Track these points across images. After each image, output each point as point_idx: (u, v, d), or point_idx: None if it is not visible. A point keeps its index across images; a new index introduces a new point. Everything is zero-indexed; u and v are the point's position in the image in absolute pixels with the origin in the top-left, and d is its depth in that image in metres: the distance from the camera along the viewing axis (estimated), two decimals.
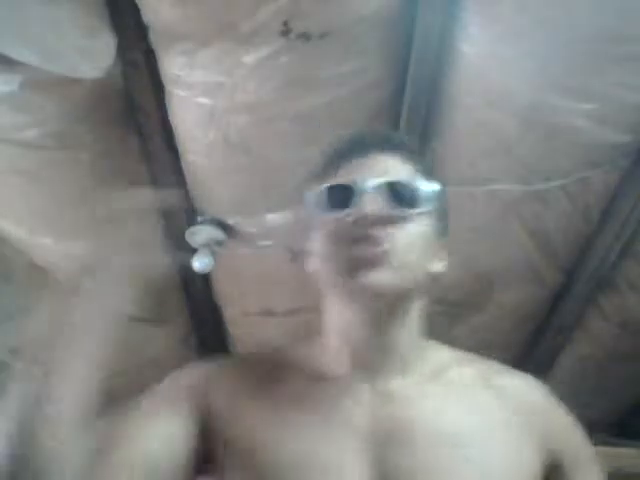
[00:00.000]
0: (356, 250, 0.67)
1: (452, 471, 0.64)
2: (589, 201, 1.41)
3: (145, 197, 0.76)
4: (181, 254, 1.58)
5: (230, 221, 1.50)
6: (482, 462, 0.65)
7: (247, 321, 1.83)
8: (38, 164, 1.22)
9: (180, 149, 1.33)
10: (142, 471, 0.64)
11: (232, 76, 1.13)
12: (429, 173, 0.78)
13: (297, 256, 1.56)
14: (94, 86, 1.14)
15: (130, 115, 1.28)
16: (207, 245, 1.52)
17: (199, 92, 1.16)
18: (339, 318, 0.73)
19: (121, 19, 1.07)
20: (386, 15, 1.09)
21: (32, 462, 0.55)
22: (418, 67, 1.17)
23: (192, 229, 1.50)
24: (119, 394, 1.93)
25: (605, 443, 1.87)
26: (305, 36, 1.06)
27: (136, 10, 1.05)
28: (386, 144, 0.78)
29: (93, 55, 1.07)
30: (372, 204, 0.68)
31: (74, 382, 0.60)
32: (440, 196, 0.75)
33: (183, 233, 1.51)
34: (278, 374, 0.74)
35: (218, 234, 1.50)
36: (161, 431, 0.68)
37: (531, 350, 1.90)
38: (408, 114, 1.26)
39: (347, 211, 0.69)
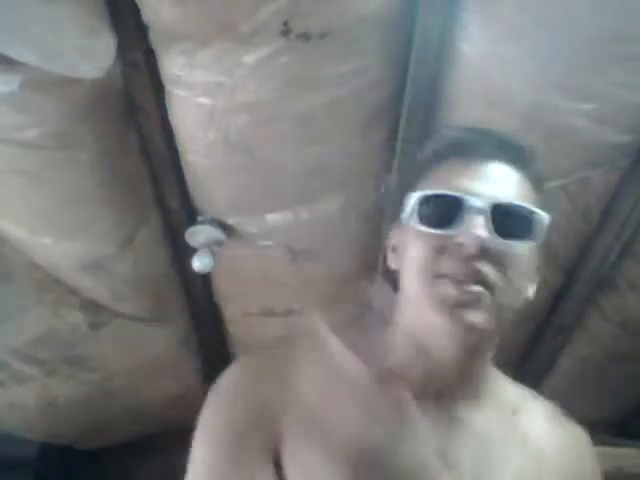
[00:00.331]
0: (452, 287, 0.62)
1: None
2: (589, 201, 1.41)
3: None
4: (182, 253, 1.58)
5: (230, 221, 1.50)
6: None
7: (247, 321, 1.83)
8: (38, 164, 1.22)
9: (180, 149, 1.33)
10: None
11: (232, 76, 1.12)
12: (542, 189, 0.72)
13: (297, 256, 1.56)
14: (94, 86, 1.14)
15: (130, 115, 1.28)
16: (207, 245, 1.52)
17: (199, 92, 1.16)
18: (421, 333, 0.68)
19: (121, 19, 1.07)
20: (386, 15, 1.09)
21: None
22: (418, 67, 1.17)
23: (192, 229, 1.50)
24: (119, 394, 1.94)
25: (605, 443, 1.87)
26: (305, 36, 1.06)
27: (136, 10, 1.05)
28: (502, 150, 0.69)
29: (93, 55, 1.07)
30: (477, 229, 0.61)
31: None
32: (549, 226, 0.68)
33: (183, 233, 1.52)
34: (328, 355, 0.69)
35: (218, 234, 1.50)
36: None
37: (531, 350, 1.90)
38: (408, 114, 1.26)
39: (447, 231, 0.63)
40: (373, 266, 1.54)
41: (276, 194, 1.41)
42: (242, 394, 0.69)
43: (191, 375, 1.98)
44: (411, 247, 0.67)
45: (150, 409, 1.99)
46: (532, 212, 0.66)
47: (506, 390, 0.74)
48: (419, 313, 0.67)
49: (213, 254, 1.53)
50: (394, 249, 0.73)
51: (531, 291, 0.71)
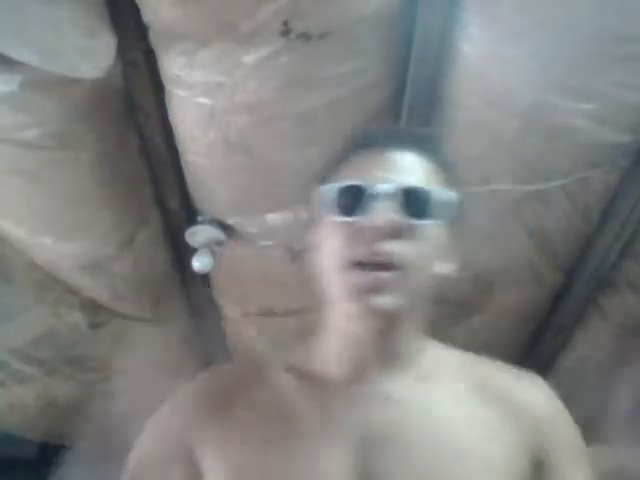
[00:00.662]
0: (363, 275, 0.65)
1: (440, 476, 0.64)
2: (589, 201, 1.41)
3: None
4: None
5: (230, 221, 1.50)
6: (471, 468, 0.65)
7: (247, 321, 1.83)
8: (38, 164, 1.22)
9: (180, 149, 1.33)
10: None
11: (232, 76, 1.12)
12: (451, 173, 0.74)
13: (297, 256, 1.56)
14: (94, 86, 1.14)
15: (130, 115, 1.28)
16: (207, 245, 1.52)
17: (199, 92, 1.16)
18: (341, 326, 0.72)
19: (121, 19, 1.07)
20: (386, 15, 1.09)
21: None
22: (418, 67, 1.17)
23: (192, 229, 1.51)
24: (119, 394, 1.93)
25: (605, 443, 1.87)
26: (305, 36, 1.06)
27: (136, 10, 1.05)
28: (405, 139, 0.73)
29: (93, 55, 1.07)
30: (385, 212, 0.65)
31: None
32: (458, 204, 0.71)
33: (183, 233, 1.52)
34: (268, 379, 0.73)
35: (218, 234, 1.50)
36: None
37: (531, 350, 1.90)
38: (408, 114, 1.26)
39: (357, 218, 0.66)
40: None
41: (276, 194, 1.41)
42: (164, 427, 0.73)
43: (191, 375, 1.98)
44: (327, 239, 0.70)
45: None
46: (437, 192, 0.69)
47: (438, 359, 0.75)
48: (337, 303, 0.70)
49: (213, 254, 1.53)
50: (315, 248, 0.75)
51: (446, 269, 0.74)
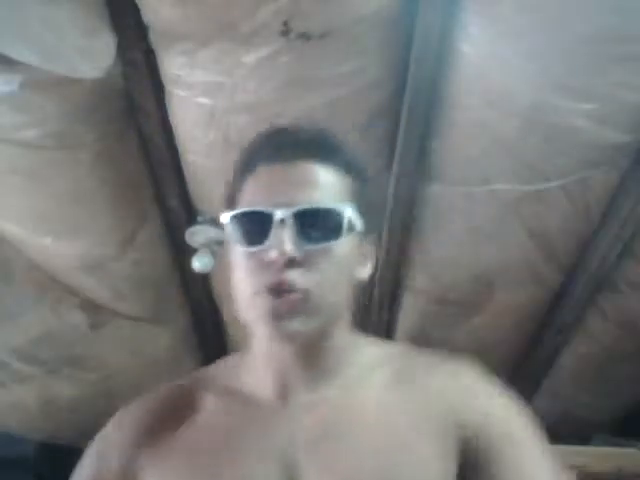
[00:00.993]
0: (269, 301, 0.64)
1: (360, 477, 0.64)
2: (589, 201, 1.41)
3: None
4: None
5: None
6: (395, 472, 0.65)
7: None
8: (38, 164, 1.22)
9: (180, 149, 1.33)
10: None
11: (232, 76, 1.12)
12: (357, 172, 0.72)
13: None
14: (94, 86, 1.14)
15: (130, 115, 1.28)
16: (207, 245, 1.52)
17: (199, 92, 1.16)
18: (262, 347, 0.72)
19: (121, 19, 1.07)
20: (386, 15, 1.09)
21: None
22: (418, 67, 1.17)
23: (192, 229, 1.51)
24: (119, 394, 1.94)
25: (605, 443, 1.87)
26: (305, 36, 1.06)
27: (136, 10, 1.05)
28: (305, 148, 0.70)
29: (93, 55, 1.07)
30: (280, 243, 0.63)
31: None
32: (361, 205, 0.69)
33: (183, 233, 1.51)
34: (197, 401, 0.73)
35: (218, 234, 1.50)
36: None
37: (531, 350, 1.90)
38: (408, 114, 1.26)
39: (257, 248, 0.65)
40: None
41: None
42: (98, 454, 0.73)
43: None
44: (235, 267, 0.70)
45: None
46: (338, 209, 0.67)
47: (364, 359, 0.74)
48: (252, 326, 0.71)
49: (213, 254, 1.53)
50: (230, 267, 0.75)
51: (361, 274, 0.73)
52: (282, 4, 1.00)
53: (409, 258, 1.61)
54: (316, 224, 0.65)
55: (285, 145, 0.70)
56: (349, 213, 0.67)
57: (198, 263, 1.52)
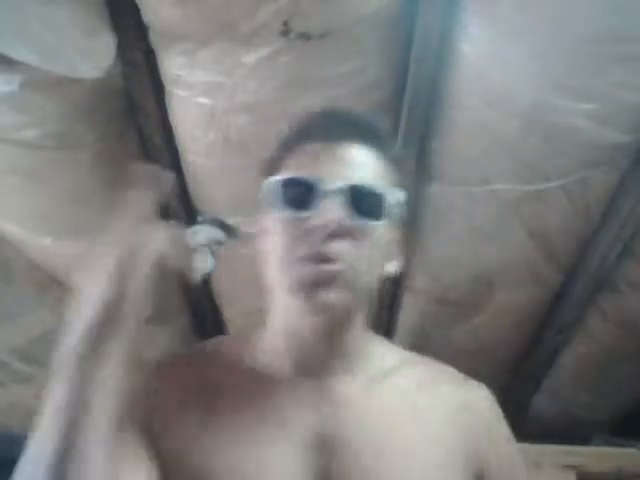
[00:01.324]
0: (308, 268, 0.64)
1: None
2: (589, 201, 1.41)
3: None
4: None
5: (230, 221, 1.50)
6: (413, 474, 0.65)
7: (247, 321, 1.83)
8: (38, 164, 1.22)
9: (180, 149, 1.33)
10: None
11: (232, 76, 1.13)
12: (400, 168, 0.73)
13: None
14: (94, 86, 1.14)
15: (130, 115, 1.28)
16: (207, 245, 1.52)
17: (199, 92, 1.16)
18: (286, 322, 0.70)
19: (121, 19, 1.07)
20: (386, 15, 1.09)
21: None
22: (418, 67, 1.17)
23: (192, 229, 1.50)
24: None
25: (605, 443, 1.87)
26: (305, 36, 1.06)
27: (136, 10, 1.05)
28: (357, 130, 0.70)
29: (93, 55, 1.07)
30: (332, 211, 0.63)
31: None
32: (404, 203, 0.70)
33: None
34: (217, 371, 0.70)
35: (218, 234, 1.50)
36: None
37: (531, 350, 1.90)
38: (408, 114, 1.26)
39: (303, 215, 0.65)
40: None
41: None
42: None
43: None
44: (272, 234, 0.69)
45: None
46: (385, 193, 0.67)
47: (384, 358, 0.75)
48: (281, 298, 0.69)
49: (213, 254, 1.53)
50: (260, 234, 0.75)
51: (389, 268, 0.73)
52: (282, 4, 1.00)
53: (409, 258, 1.61)
54: (362, 202, 0.65)
55: (334, 124, 0.71)
56: (393, 198, 0.68)
57: (198, 263, 1.52)
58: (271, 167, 0.73)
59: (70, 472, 0.51)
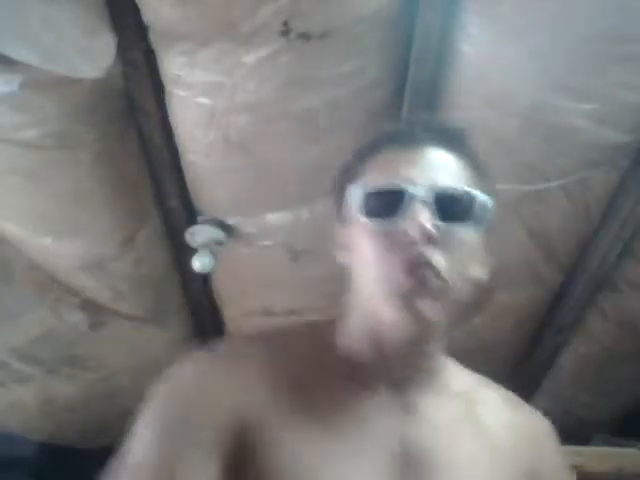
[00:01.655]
0: (407, 276, 0.61)
1: None
2: (589, 201, 1.41)
3: None
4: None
5: (230, 221, 1.50)
6: None
7: (247, 321, 1.83)
8: (38, 164, 1.22)
9: (180, 149, 1.33)
10: None
11: (232, 76, 1.13)
12: (483, 172, 0.71)
13: (297, 256, 1.56)
14: (94, 86, 1.14)
15: (130, 115, 1.28)
16: (207, 245, 1.52)
17: (199, 92, 1.16)
18: (376, 330, 0.67)
19: (121, 19, 1.07)
20: (386, 15, 1.09)
21: None
22: (418, 67, 1.17)
23: (192, 229, 1.50)
24: (119, 394, 1.93)
25: (605, 443, 1.87)
26: (305, 36, 1.06)
27: (136, 10, 1.05)
28: (439, 136, 0.69)
29: (93, 55, 1.07)
30: (422, 218, 0.61)
31: None
32: (492, 207, 0.68)
33: (183, 233, 1.51)
34: (299, 370, 0.67)
35: (218, 234, 1.50)
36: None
37: (531, 350, 1.90)
38: (408, 114, 1.26)
39: (392, 223, 0.63)
40: None
41: (276, 194, 1.41)
42: (204, 389, 0.64)
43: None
44: (361, 244, 0.67)
45: None
46: (473, 195, 0.66)
47: (459, 378, 0.74)
48: (372, 307, 0.67)
49: (213, 254, 1.53)
50: (343, 246, 0.72)
51: (481, 273, 0.71)
52: (282, 4, 1.00)
53: None
54: (451, 206, 0.64)
55: (416, 129, 0.70)
56: (481, 200, 0.66)
57: (198, 263, 1.52)
58: (349, 175, 0.71)
59: None
